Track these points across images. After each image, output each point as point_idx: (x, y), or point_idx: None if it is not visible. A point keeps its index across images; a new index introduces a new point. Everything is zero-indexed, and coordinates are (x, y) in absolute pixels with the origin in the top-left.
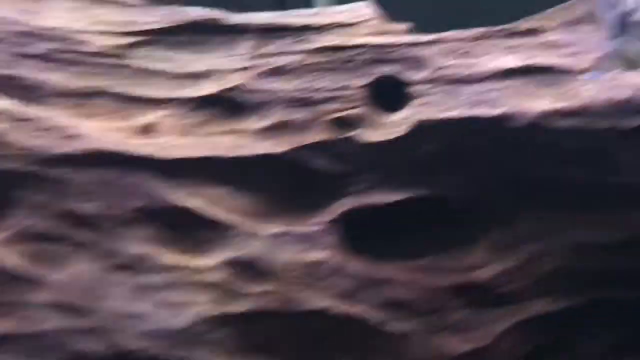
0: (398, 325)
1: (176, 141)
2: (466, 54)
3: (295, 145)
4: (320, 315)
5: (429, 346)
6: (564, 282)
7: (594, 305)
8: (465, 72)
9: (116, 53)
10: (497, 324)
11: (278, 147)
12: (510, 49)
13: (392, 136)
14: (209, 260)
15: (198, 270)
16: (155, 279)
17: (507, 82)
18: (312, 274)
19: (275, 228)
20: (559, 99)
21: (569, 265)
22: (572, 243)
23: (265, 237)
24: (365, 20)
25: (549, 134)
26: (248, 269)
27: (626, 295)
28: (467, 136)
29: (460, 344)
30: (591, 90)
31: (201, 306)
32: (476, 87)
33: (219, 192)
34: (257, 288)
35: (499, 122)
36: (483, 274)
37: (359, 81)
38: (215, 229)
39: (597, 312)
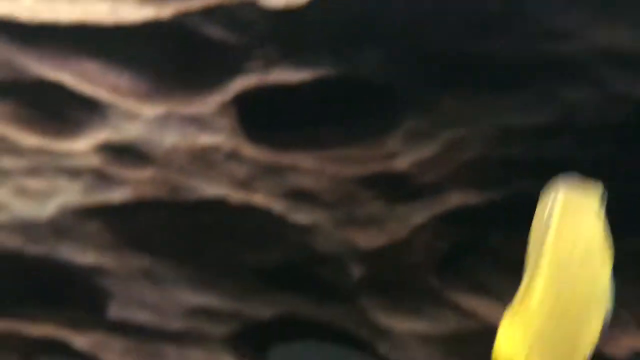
0: (302, 217)
1: (43, 1)
2: None
3: (184, 8)
4: (215, 204)
5: (336, 239)
6: (487, 172)
7: (519, 197)
8: None
9: None
10: (412, 217)
11: (164, 11)
12: None
13: (297, 1)
14: (79, 144)
15: (65, 155)
16: (14, 163)
17: None
18: (203, 159)
19: (159, 108)
20: None
21: (493, 154)
22: (498, 127)
23: (147, 118)
24: None
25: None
26: (125, 153)
27: None
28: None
29: (371, 238)
30: None
31: (68, 195)
32: None
33: (93, 65)
34: (136, 174)
35: None
36: (398, 163)
37: None
38: (87, 108)
39: (522, 205)
